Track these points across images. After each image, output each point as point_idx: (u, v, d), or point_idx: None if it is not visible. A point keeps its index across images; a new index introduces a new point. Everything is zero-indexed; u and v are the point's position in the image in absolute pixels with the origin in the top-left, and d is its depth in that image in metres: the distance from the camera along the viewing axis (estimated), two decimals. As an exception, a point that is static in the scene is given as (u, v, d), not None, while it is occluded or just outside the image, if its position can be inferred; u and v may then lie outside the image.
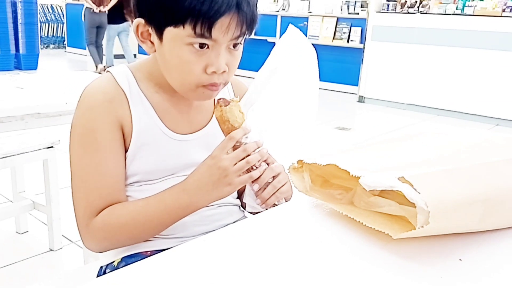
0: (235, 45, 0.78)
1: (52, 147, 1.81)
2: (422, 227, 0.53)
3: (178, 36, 0.74)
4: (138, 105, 0.82)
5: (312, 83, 0.86)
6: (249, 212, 0.95)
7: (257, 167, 0.78)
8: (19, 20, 6.75)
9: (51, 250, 1.93)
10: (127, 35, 7.03)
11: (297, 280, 0.54)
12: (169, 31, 0.75)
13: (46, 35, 10.25)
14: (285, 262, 0.58)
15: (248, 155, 0.75)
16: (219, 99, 0.77)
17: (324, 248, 0.62)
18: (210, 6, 0.70)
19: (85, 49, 8.64)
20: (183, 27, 0.73)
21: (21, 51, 6.88)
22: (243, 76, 7.50)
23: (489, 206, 0.60)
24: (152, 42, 0.80)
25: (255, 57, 7.36)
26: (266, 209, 0.80)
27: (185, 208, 0.78)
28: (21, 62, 6.91)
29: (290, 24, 0.86)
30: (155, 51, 0.80)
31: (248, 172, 0.77)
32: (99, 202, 0.79)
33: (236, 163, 0.74)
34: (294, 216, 0.72)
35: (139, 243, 0.84)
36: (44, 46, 8.35)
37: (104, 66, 7.01)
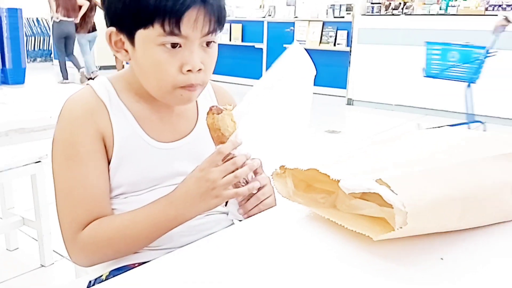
0: (208, 44, 0.79)
1: (39, 161, 1.80)
2: (401, 228, 0.54)
3: (149, 37, 0.75)
4: (119, 115, 0.82)
5: (305, 99, 0.86)
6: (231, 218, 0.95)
7: (246, 181, 0.78)
8: (4, 34, 6.69)
9: (42, 266, 1.91)
10: (93, 45, 7.46)
11: (283, 284, 0.54)
12: (140, 34, 0.75)
13: (32, 48, 10.21)
14: (271, 267, 0.58)
15: (237, 168, 0.75)
16: (212, 106, 0.77)
17: (308, 252, 0.62)
18: (175, 1, 0.71)
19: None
20: (152, 26, 0.73)
21: (7, 66, 6.80)
22: (231, 83, 7.46)
23: (467, 204, 0.60)
24: (126, 50, 0.80)
25: (242, 63, 7.42)
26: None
27: (172, 220, 0.78)
28: (7, 77, 6.83)
29: (295, 41, 0.88)
30: (130, 59, 0.81)
31: (236, 185, 0.77)
32: (84, 216, 0.79)
33: (224, 176, 0.74)
34: (279, 222, 0.73)
35: (127, 255, 0.83)
36: (30, 60, 8.31)
37: (92, 72, 7.25)
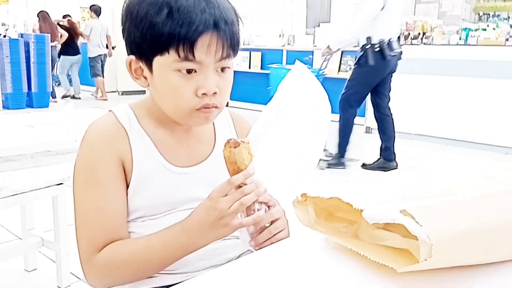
0: (223, 69, 0.81)
1: (61, 183, 1.83)
2: (426, 260, 0.53)
3: (165, 63, 0.78)
4: (139, 140, 0.85)
5: (323, 117, 0.86)
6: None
7: (256, 210, 0.78)
8: (31, 60, 6.92)
9: (59, 287, 1.92)
10: (78, 67, 8.69)
11: (302, 316, 0.53)
12: (157, 61, 0.79)
13: (56, 73, 10.48)
14: (290, 297, 0.58)
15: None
16: (230, 139, 0.77)
17: (330, 282, 0.61)
18: (189, 27, 0.74)
19: (94, 86, 8.92)
20: (168, 53, 0.76)
21: (33, 90, 7.02)
22: (250, 109, 7.50)
23: (493, 237, 0.59)
24: (145, 77, 0.83)
25: (261, 91, 7.47)
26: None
27: (185, 248, 0.79)
28: (33, 101, 7.04)
29: (296, 60, 0.89)
30: (149, 85, 0.83)
31: (248, 214, 0.78)
32: (101, 239, 0.80)
33: (231, 205, 0.75)
34: (300, 250, 0.72)
35: (143, 279, 0.84)
36: (55, 84, 8.59)
37: (73, 94, 8.64)
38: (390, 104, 4.12)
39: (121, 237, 0.82)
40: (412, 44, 5.46)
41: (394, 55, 3.80)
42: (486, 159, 4.37)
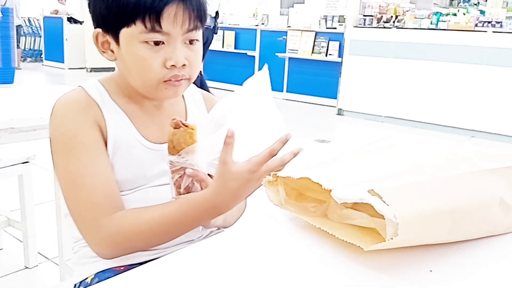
0: (191, 41, 0.81)
1: (27, 162, 1.78)
2: (392, 239, 0.55)
3: (132, 35, 0.77)
4: (112, 113, 0.83)
5: (270, 132, 0.84)
6: None
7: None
8: (-5, 33, 6.65)
9: (27, 267, 1.89)
10: None
11: (270, 294, 0.54)
12: (124, 33, 0.78)
13: (23, 48, 10.11)
14: (260, 276, 0.58)
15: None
16: (174, 119, 0.76)
17: (298, 261, 0.62)
18: None
19: (63, 62, 8.61)
20: (134, 24, 0.76)
21: (-4, 65, 6.76)
22: (223, 89, 7.46)
23: (457, 217, 0.61)
24: (112, 51, 0.82)
25: (234, 70, 7.43)
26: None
27: (209, 212, 0.76)
28: (-4, 76, 6.79)
29: (266, 64, 0.88)
30: (115, 59, 0.82)
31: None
32: (103, 202, 0.77)
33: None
34: (269, 230, 0.73)
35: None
36: (21, 60, 8.25)
37: None
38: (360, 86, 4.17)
39: (119, 199, 0.79)
40: (384, 27, 5.51)
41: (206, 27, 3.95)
42: (453, 141, 4.50)
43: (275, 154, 0.74)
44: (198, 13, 0.78)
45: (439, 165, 0.71)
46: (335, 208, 0.67)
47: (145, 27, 0.75)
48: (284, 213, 0.75)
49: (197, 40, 0.81)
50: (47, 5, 9.82)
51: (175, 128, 0.75)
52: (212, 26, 4.41)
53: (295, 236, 0.69)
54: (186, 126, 0.75)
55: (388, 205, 0.55)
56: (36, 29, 10.45)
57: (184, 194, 0.77)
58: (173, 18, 0.76)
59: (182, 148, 0.75)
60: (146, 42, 0.77)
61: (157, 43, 0.77)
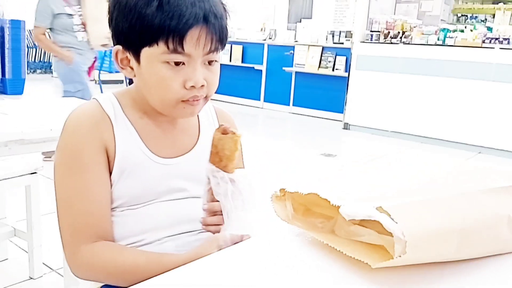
0: (210, 62, 0.81)
1: (35, 173, 1.79)
2: (400, 256, 0.54)
3: (153, 55, 0.78)
4: (123, 129, 0.84)
5: None
6: None
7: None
8: (6, 45, 6.73)
9: (31, 278, 1.89)
10: None
11: (278, 310, 0.54)
12: (145, 52, 0.78)
13: (33, 60, 10.22)
14: (266, 291, 0.58)
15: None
16: (222, 124, 0.80)
17: (305, 277, 0.62)
18: (179, 20, 0.74)
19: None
20: (157, 45, 0.76)
21: (7, 76, 6.83)
22: (230, 102, 7.49)
23: (465, 235, 0.61)
24: (131, 68, 0.83)
25: (242, 84, 7.46)
26: None
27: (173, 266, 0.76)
28: (6, 87, 6.85)
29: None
30: (135, 75, 0.83)
31: None
32: (85, 229, 0.79)
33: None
34: (276, 245, 0.73)
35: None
36: (30, 71, 8.34)
37: None
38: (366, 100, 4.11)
39: (105, 229, 0.81)
40: (391, 43, 5.53)
41: None
42: (459, 157, 4.48)
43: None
44: (220, 36, 0.79)
45: (447, 183, 0.71)
46: (343, 224, 0.67)
47: (168, 48, 0.76)
48: (291, 228, 0.74)
49: (216, 61, 0.82)
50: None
51: (222, 133, 0.78)
52: None
53: (302, 252, 0.69)
54: (233, 133, 0.78)
55: (396, 222, 0.55)
56: (46, 41, 10.56)
57: (216, 202, 0.79)
58: (196, 41, 0.76)
59: (224, 154, 0.78)
60: (167, 62, 0.77)
61: (177, 63, 0.78)
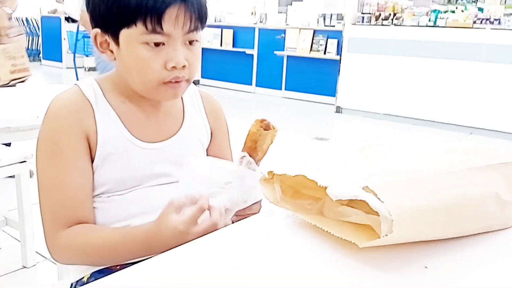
0: (191, 42, 0.80)
1: (24, 161, 1.77)
2: (387, 235, 0.54)
3: (132, 36, 0.76)
4: (104, 114, 0.83)
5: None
6: None
7: None
8: (-7, 33, 6.63)
9: (24, 267, 1.89)
10: None
11: (265, 291, 0.54)
12: (124, 34, 0.77)
13: (21, 48, 10.09)
14: (257, 273, 0.58)
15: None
16: (264, 119, 0.81)
17: (294, 258, 0.62)
18: (156, 0, 0.73)
19: (61, 61, 8.62)
20: (135, 25, 0.75)
21: (-5, 64, 6.74)
22: (221, 88, 7.45)
23: (451, 213, 0.61)
24: (111, 51, 0.81)
25: (233, 68, 7.42)
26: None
27: (148, 252, 0.75)
28: (-6, 76, 6.77)
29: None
30: (115, 59, 0.82)
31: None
32: (63, 216, 0.80)
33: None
34: (265, 227, 0.73)
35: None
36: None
37: None
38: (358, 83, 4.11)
39: (84, 214, 0.81)
40: (383, 25, 5.50)
41: None
42: (451, 138, 4.51)
43: (205, 209, 0.72)
44: (199, 14, 0.78)
45: (435, 162, 0.71)
46: (331, 205, 0.67)
47: (146, 28, 0.75)
48: (280, 210, 0.74)
49: (197, 40, 0.81)
50: (45, 4, 9.80)
51: (265, 129, 0.79)
52: None
53: (290, 234, 0.69)
54: (273, 128, 0.80)
55: (382, 201, 0.55)
56: (34, 28, 10.42)
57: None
58: (174, 20, 0.75)
59: (262, 148, 0.80)
60: (147, 43, 0.76)
61: (157, 44, 0.77)
